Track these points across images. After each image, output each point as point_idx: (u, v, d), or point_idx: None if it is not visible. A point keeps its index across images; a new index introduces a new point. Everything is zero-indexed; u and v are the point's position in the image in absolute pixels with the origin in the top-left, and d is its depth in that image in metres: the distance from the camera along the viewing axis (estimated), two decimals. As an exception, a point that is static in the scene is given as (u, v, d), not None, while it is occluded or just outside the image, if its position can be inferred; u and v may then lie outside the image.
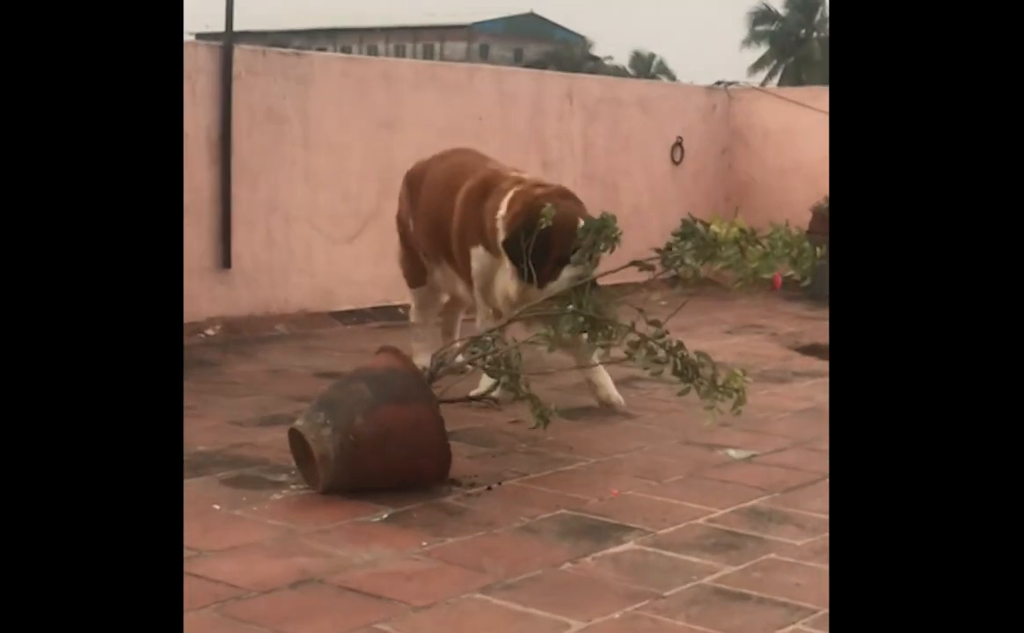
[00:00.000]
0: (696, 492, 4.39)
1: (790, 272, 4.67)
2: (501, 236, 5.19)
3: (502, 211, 5.23)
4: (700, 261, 4.69)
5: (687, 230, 4.75)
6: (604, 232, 4.97)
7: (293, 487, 4.27)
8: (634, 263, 4.90)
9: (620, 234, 5.00)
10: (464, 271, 5.59)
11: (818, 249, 4.65)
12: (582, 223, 5.06)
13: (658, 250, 4.82)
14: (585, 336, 4.90)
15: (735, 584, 3.47)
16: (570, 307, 4.82)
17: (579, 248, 5.01)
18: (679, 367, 4.68)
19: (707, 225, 4.69)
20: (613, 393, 5.55)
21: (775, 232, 4.66)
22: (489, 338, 5.01)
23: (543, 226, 4.91)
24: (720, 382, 4.58)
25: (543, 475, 4.48)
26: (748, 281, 4.59)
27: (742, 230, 4.63)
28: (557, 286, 5.06)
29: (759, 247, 4.64)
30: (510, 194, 5.25)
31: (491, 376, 4.95)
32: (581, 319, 4.79)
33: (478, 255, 5.45)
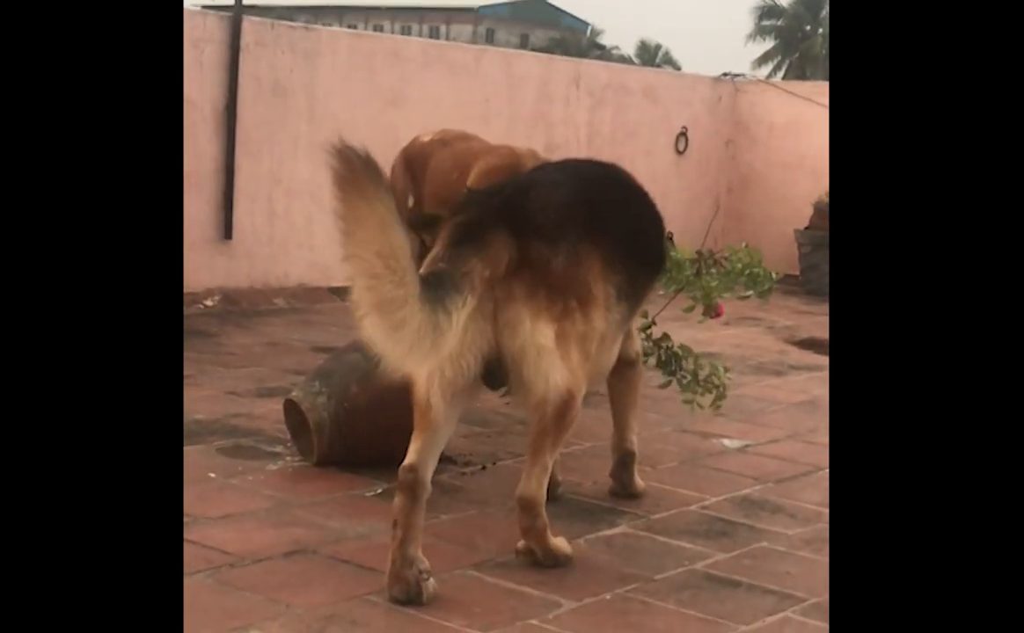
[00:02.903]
0: (690, 479, 4.41)
1: (748, 292, 4.71)
2: None
3: None
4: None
5: None
6: None
7: (288, 459, 4.29)
8: None
9: None
10: None
11: (773, 273, 4.69)
12: None
13: None
14: None
15: (726, 570, 3.49)
16: None
17: None
18: (662, 359, 4.71)
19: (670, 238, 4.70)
20: None
21: (734, 253, 4.70)
22: None
23: None
24: (702, 376, 4.60)
25: (538, 456, 4.49)
26: (701, 302, 4.63)
27: (699, 252, 4.67)
28: None
29: (715, 269, 4.67)
30: None
31: None
32: None
33: None
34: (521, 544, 3.40)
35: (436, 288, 2.91)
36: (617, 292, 3.43)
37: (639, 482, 4.13)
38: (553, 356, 3.21)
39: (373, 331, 2.82)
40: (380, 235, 2.76)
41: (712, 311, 4.77)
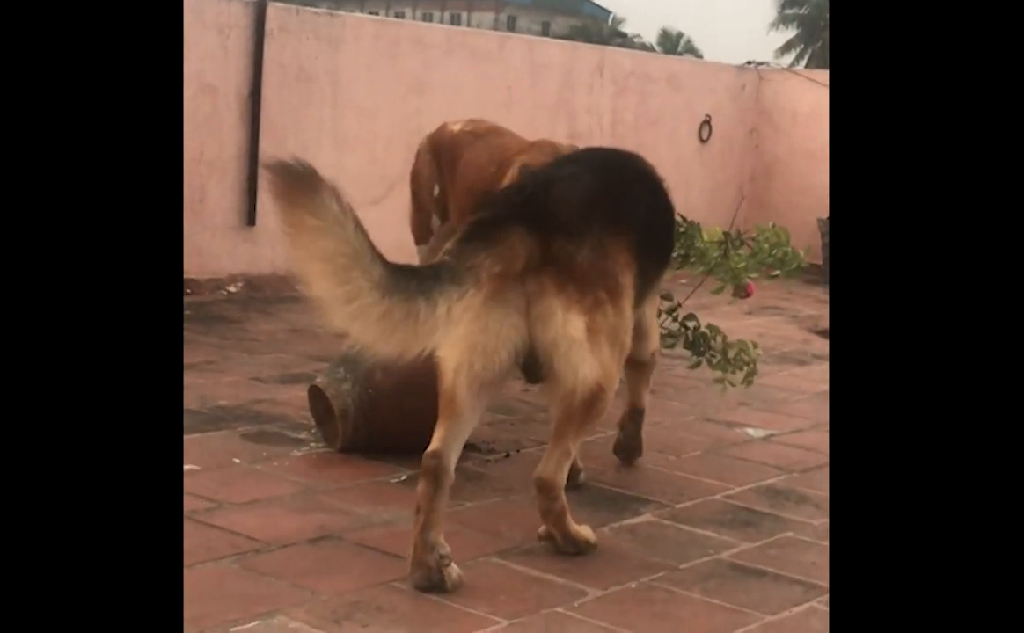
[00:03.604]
0: (714, 468, 4.39)
1: (776, 272, 4.69)
2: None
3: None
4: (681, 264, 4.69)
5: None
6: None
7: (313, 445, 4.29)
8: None
9: None
10: None
11: (801, 252, 4.68)
12: None
13: None
14: None
15: (751, 560, 3.48)
16: None
17: None
18: (690, 339, 4.69)
19: (697, 226, 4.66)
20: None
21: (761, 233, 4.67)
22: None
23: None
24: (731, 355, 4.59)
25: (562, 444, 4.48)
26: (729, 282, 4.63)
27: (726, 233, 4.64)
28: None
29: (744, 250, 4.65)
30: None
31: None
32: None
33: None
34: (543, 529, 3.40)
35: (423, 280, 2.99)
36: (633, 280, 3.47)
37: (641, 439, 4.28)
38: (583, 349, 3.24)
39: (335, 324, 2.98)
40: (316, 241, 2.87)
41: (742, 291, 4.74)
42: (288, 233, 2.91)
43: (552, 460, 3.33)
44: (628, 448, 4.30)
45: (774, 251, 4.66)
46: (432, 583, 3.08)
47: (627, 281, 3.39)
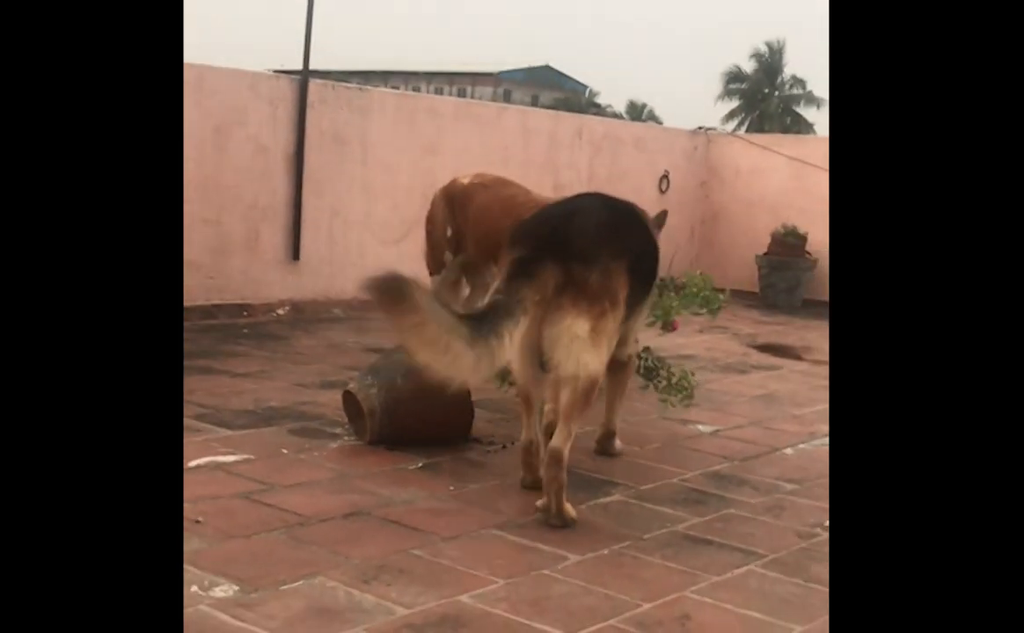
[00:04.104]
0: (671, 457, 4.41)
1: (702, 311, 4.76)
2: None
3: None
4: None
5: None
6: None
7: (346, 438, 4.30)
8: None
9: None
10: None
11: (721, 295, 4.74)
12: None
13: None
14: None
15: (701, 532, 3.49)
16: None
17: None
18: (642, 369, 4.75)
19: None
20: None
21: (691, 279, 4.74)
22: None
23: None
24: (674, 381, 4.67)
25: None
26: (660, 319, 4.70)
27: (661, 278, 4.70)
28: None
29: (675, 292, 4.73)
30: None
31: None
32: None
33: None
34: (540, 502, 3.43)
35: (490, 319, 3.18)
36: (626, 296, 3.57)
37: (617, 448, 4.34)
38: (586, 344, 3.40)
39: (438, 375, 3.13)
40: (419, 332, 3.04)
41: (669, 326, 4.83)
42: (397, 332, 3.14)
43: (561, 436, 3.44)
44: (604, 454, 4.36)
45: (700, 294, 4.73)
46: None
47: (623, 296, 3.54)
